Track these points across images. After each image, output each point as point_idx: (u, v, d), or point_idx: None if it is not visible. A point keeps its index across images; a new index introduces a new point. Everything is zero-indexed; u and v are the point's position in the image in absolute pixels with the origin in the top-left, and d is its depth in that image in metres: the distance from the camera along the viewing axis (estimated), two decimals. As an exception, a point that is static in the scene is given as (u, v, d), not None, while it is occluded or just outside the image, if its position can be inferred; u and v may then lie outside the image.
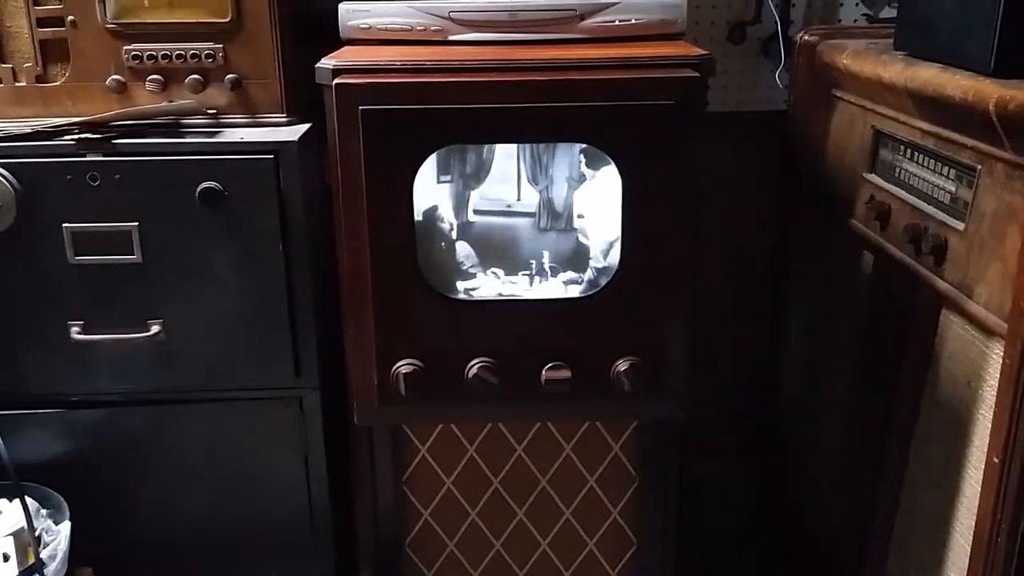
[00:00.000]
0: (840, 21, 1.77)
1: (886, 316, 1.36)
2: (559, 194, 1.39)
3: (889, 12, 1.72)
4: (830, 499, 1.56)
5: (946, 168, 1.20)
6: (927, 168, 1.25)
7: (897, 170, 1.33)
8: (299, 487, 1.40)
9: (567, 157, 1.37)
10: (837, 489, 1.53)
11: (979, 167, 1.11)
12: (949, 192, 1.19)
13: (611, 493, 1.40)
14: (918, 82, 1.20)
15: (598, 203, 1.36)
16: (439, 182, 1.35)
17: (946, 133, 1.18)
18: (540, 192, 1.40)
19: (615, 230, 1.31)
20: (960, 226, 1.15)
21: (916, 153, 1.28)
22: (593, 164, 1.35)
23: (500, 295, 1.32)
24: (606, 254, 1.34)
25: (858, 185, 1.43)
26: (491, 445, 1.37)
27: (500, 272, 1.36)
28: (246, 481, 1.40)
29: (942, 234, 1.18)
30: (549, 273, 1.36)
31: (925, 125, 1.23)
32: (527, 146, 1.35)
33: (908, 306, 1.29)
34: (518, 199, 1.40)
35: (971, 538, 1.12)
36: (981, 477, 1.09)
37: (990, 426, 1.07)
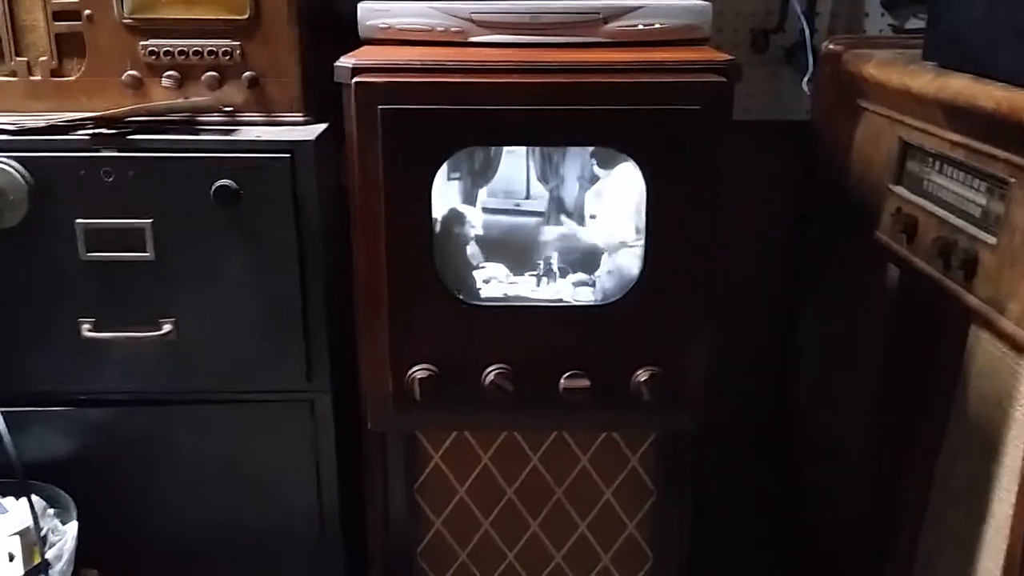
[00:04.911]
0: (865, 31, 1.75)
1: (912, 331, 1.33)
2: (570, 193, 1.38)
3: (915, 22, 1.71)
4: (849, 516, 1.53)
5: (977, 181, 1.17)
6: (956, 180, 1.23)
7: (925, 182, 1.31)
8: (309, 492, 1.39)
9: (578, 156, 1.36)
10: (857, 506, 1.50)
11: (1012, 180, 1.08)
12: (980, 205, 1.16)
13: (627, 506, 1.38)
14: (949, 92, 1.18)
15: (610, 203, 1.34)
16: (449, 179, 1.35)
17: (977, 145, 1.15)
18: (550, 191, 1.39)
19: (626, 231, 1.30)
20: (992, 240, 1.12)
21: (945, 165, 1.25)
22: (605, 164, 1.34)
23: (506, 295, 1.31)
24: (613, 254, 1.32)
25: (883, 197, 1.41)
26: (505, 454, 1.36)
27: (508, 271, 1.35)
28: (256, 484, 1.39)
29: (973, 248, 1.16)
30: (557, 274, 1.35)
31: (955, 136, 1.21)
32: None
33: (935, 321, 1.26)
34: (527, 197, 1.39)
35: (1001, 562, 1.09)
36: (1013, 500, 1.06)
37: (1022, 446, 1.04)
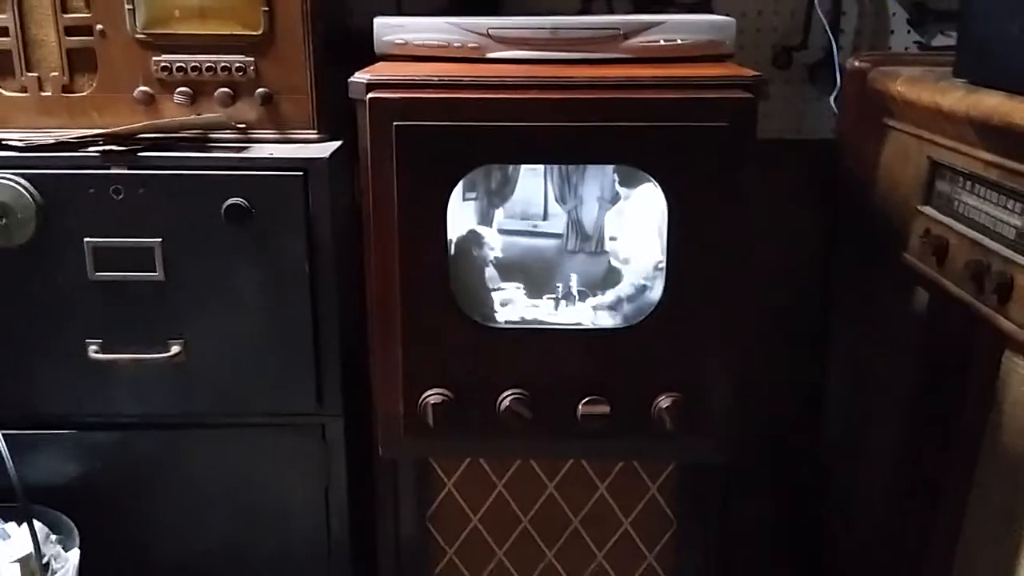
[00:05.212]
0: (890, 48, 1.72)
1: (942, 357, 1.29)
2: (589, 214, 1.35)
3: (942, 39, 1.68)
4: (878, 548, 1.49)
5: (1011, 201, 1.14)
6: (989, 201, 1.19)
7: (955, 203, 1.27)
8: (318, 519, 1.37)
9: (598, 176, 1.33)
10: (885, 538, 1.46)
11: (1050, 201, 1.05)
12: (1015, 227, 1.13)
13: (647, 537, 1.35)
14: (982, 110, 1.14)
15: (632, 224, 1.31)
16: (464, 200, 1.32)
17: (1011, 164, 1.12)
18: (568, 212, 1.36)
19: (651, 254, 1.27)
20: (1028, 263, 1.09)
21: (977, 185, 1.22)
22: (628, 182, 1.31)
23: (523, 319, 1.29)
24: (643, 279, 1.29)
25: (912, 218, 1.38)
26: (521, 482, 1.33)
27: (525, 294, 1.33)
28: (263, 511, 1.36)
29: (1007, 272, 1.12)
30: (577, 297, 1.32)
31: (988, 156, 1.17)
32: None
33: (967, 348, 1.22)
34: (544, 219, 1.37)
35: (1041, 601, 1.04)
36: (1052, 535, 1.02)
37: (1062, 480, 1.00)
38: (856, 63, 1.56)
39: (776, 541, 1.85)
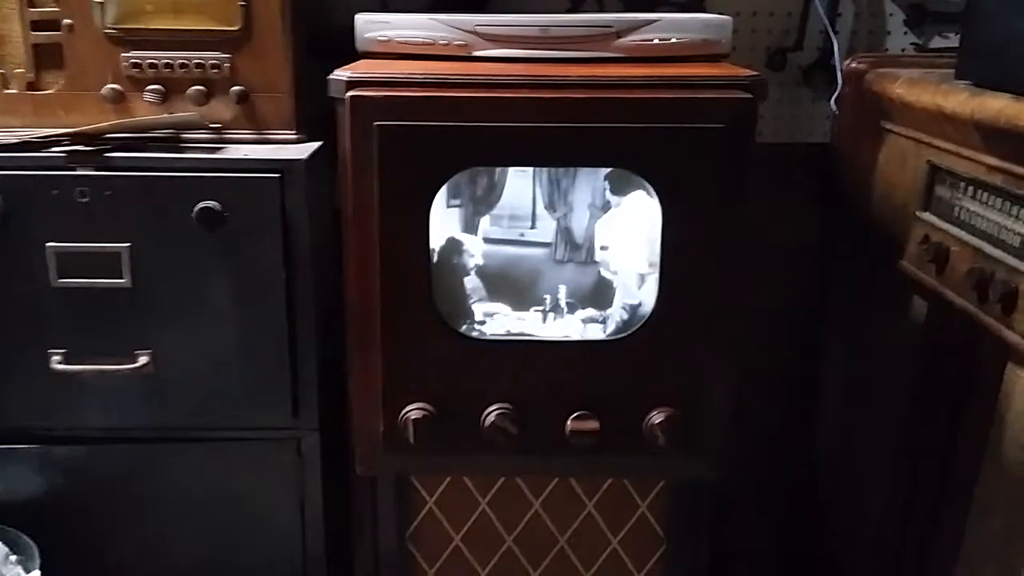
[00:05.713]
0: (887, 49, 1.70)
1: (942, 368, 1.27)
2: (579, 223, 1.33)
3: (940, 42, 1.66)
4: (875, 569, 1.46)
5: (1016, 207, 1.11)
6: (992, 207, 1.16)
7: (956, 209, 1.25)
8: (293, 537, 1.35)
9: (589, 182, 1.31)
10: (883, 559, 1.43)
11: (1058, 207, 1.02)
12: (1020, 234, 1.10)
13: (636, 556, 1.33)
14: (987, 113, 1.12)
15: (624, 233, 1.29)
16: (448, 206, 1.30)
17: (1017, 169, 1.09)
18: (557, 220, 1.34)
19: (642, 264, 1.24)
20: (1034, 272, 1.06)
21: (979, 191, 1.19)
22: (619, 190, 1.29)
23: (509, 332, 1.26)
24: (634, 289, 1.27)
25: (910, 224, 1.35)
26: (505, 499, 1.30)
27: (510, 308, 1.31)
28: (236, 528, 1.34)
29: (1012, 280, 1.09)
30: (565, 309, 1.30)
31: (992, 160, 1.15)
32: (544, 169, 1.30)
33: (969, 358, 1.20)
34: (532, 227, 1.35)
35: (1047, 626, 1.01)
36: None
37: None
38: (853, 64, 1.54)
39: (772, 548, 1.84)
